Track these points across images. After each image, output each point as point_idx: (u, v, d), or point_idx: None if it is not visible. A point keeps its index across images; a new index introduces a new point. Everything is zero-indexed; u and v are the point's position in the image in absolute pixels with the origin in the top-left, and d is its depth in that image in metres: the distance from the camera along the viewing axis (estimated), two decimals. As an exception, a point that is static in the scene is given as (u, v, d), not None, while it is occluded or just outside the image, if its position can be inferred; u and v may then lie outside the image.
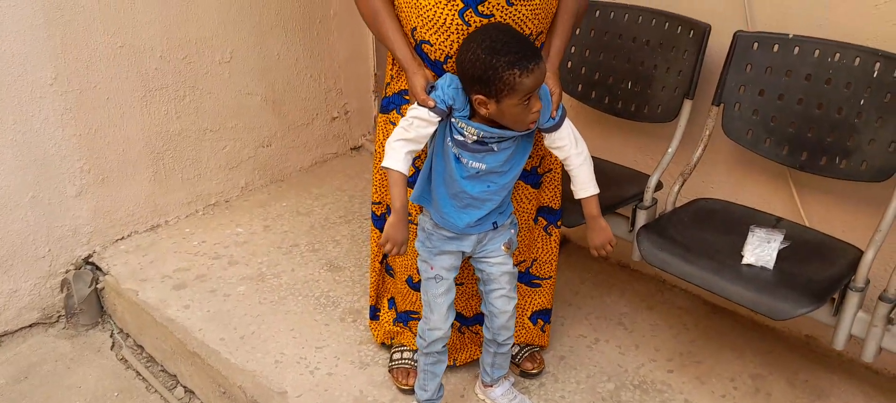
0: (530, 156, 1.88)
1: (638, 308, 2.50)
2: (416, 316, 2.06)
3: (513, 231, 1.85)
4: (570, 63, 2.49)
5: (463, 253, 1.82)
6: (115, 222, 2.84)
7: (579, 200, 1.75)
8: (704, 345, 2.32)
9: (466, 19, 1.59)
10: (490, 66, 1.49)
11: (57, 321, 2.73)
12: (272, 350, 2.31)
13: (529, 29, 1.66)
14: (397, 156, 1.62)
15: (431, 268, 1.81)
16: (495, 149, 1.64)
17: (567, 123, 1.70)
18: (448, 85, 1.60)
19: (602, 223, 1.74)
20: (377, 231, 2.05)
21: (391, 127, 1.85)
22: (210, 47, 2.92)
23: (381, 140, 1.90)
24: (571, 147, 1.70)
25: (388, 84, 1.88)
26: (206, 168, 3.07)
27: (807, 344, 2.33)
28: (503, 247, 1.82)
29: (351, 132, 3.65)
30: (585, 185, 1.71)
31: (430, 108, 1.59)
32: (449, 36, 1.62)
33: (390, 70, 1.87)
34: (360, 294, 2.57)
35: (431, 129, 1.62)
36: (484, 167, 1.65)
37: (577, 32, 2.45)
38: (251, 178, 3.27)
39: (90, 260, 2.78)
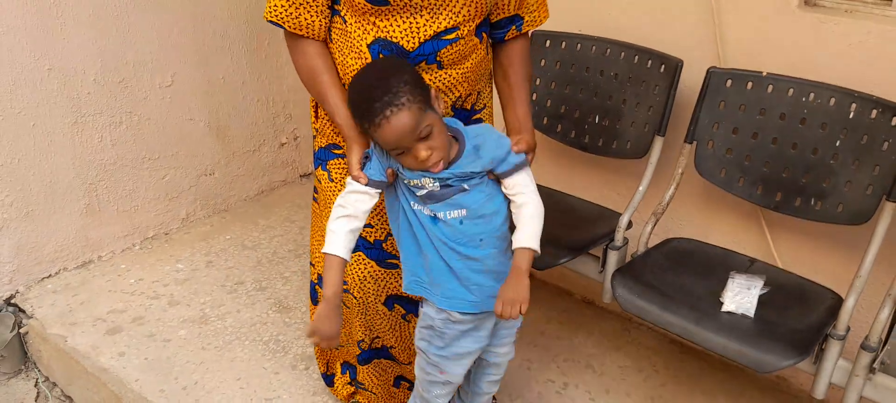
0: None
1: (606, 348, 2.41)
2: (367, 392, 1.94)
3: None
4: (534, 95, 2.39)
5: (480, 348, 1.60)
6: (42, 259, 2.61)
7: (514, 249, 1.46)
8: (675, 389, 2.25)
9: None
10: (353, 112, 1.37)
11: (-27, 370, 2.47)
12: (217, 402, 2.12)
13: (459, 91, 1.58)
14: (338, 240, 1.43)
15: (441, 373, 1.59)
16: (466, 187, 1.45)
17: (527, 172, 1.49)
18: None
19: (526, 281, 1.42)
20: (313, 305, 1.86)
21: (321, 183, 1.72)
22: (149, 70, 2.71)
23: (318, 194, 1.78)
24: (532, 194, 1.47)
25: (315, 135, 1.73)
26: (143, 199, 2.86)
27: (778, 386, 2.28)
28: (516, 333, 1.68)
29: (300, 159, 3.48)
30: (531, 237, 1.44)
31: (365, 185, 1.45)
32: None
33: (314, 123, 1.72)
34: (312, 337, 2.41)
35: (372, 202, 1.47)
36: (465, 212, 1.46)
37: (542, 63, 2.36)
38: (193, 209, 3.06)
39: (12, 301, 2.55)
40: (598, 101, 2.27)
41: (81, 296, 2.57)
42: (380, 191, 1.47)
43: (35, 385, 2.47)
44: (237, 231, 3.03)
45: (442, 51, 1.48)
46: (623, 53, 2.22)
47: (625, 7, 2.26)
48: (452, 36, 1.48)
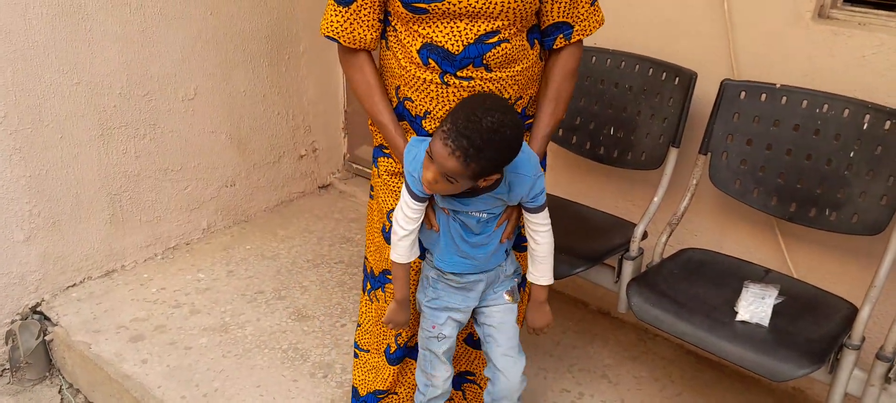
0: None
1: (621, 359, 2.42)
2: (383, 394, 1.95)
3: (516, 279, 1.76)
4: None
5: (468, 307, 1.72)
6: (67, 268, 2.66)
7: (532, 283, 1.72)
8: (691, 399, 2.25)
9: (446, 81, 1.56)
10: (448, 117, 1.42)
11: (0, 375, 2.52)
12: (237, 409, 2.16)
13: (509, 93, 1.61)
14: (402, 250, 1.62)
15: (433, 328, 1.72)
16: (485, 215, 1.59)
17: (546, 210, 1.63)
18: (413, 159, 1.53)
19: (548, 308, 1.76)
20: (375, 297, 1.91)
21: (374, 179, 1.81)
22: (173, 84, 2.78)
23: (373, 190, 1.84)
24: (547, 233, 1.64)
25: (373, 134, 1.81)
26: (166, 209, 2.92)
27: (793, 397, 2.28)
28: (506, 295, 1.73)
29: (319, 170, 3.53)
30: (546, 273, 1.69)
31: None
32: (429, 94, 1.59)
33: (371, 124, 1.80)
34: (330, 346, 2.44)
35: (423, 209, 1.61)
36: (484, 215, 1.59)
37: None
38: (214, 220, 3.12)
39: (38, 309, 2.60)
40: (614, 113, 2.30)
41: (105, 305, 2.62)
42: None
43: (59, 392, 2.52)
44: (257, 241, 3.08)
45: (487, 54, 1.52)
46: (638, 66, 2.25)
47: (640, 20, 2.29)
48: (495, 39, 1.52)
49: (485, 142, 1.36)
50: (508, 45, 1.53)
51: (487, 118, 1.36)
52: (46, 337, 2.55)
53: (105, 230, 2.74)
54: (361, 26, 1.57)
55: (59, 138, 2.50)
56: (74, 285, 2.71)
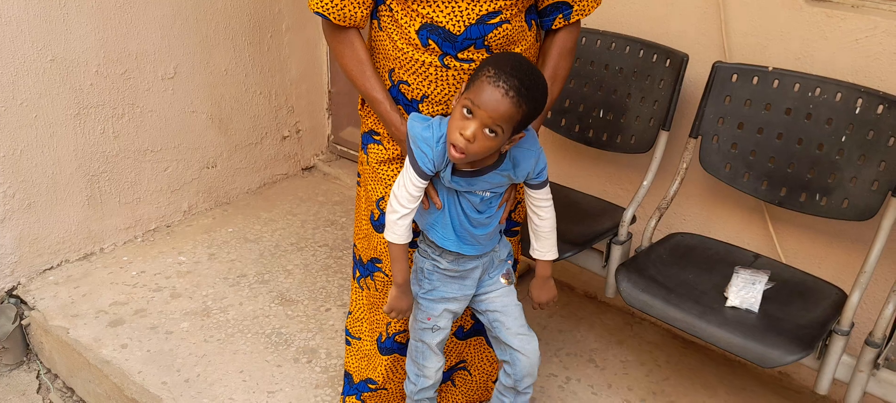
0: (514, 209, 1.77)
1: (608, 343, 2.41)
2: (375, 385, 1.92)
3: (510, 261, 1.74)
4: (539, 88, 2.38)
5: (465, 296, 1.69)
6: (43, 250, 2.60)
7: (536, 259, 1.69)
8: (677, 383, 2.25)
9: (446, 63, 1.51)
10: (484, 67, 1.38)
11: (-25, 361, 2.47)
12: (220, 395, 2.12)
13: None
14: (402, 230, 1.55)
15: (428, 319, 1.68)
16: (488, 194, 1.56)
17: (548, 186, 1.62)
18: (436, 142, 1.46)
19: (552, 282, 1.74)
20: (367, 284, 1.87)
21: (362, 166, 1.76)
22: (152, 62, 2.70)
23: (360, 177, 1.79)
24: (550, 209, 1.63)
25: (362, 119, 1.76)
26: (145, 191, 2.85)
27: (780, 382, 2.28)
28: (502, 279, 1.71)
29: (303, 152, 3.47)
30: (551, 248, 1.67)
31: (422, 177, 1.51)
32: (427, 77, 1.54)
33: (360, 109, 1.75)
34: (314, 330, 2.41)
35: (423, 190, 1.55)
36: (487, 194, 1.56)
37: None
38: (195, 201, 3.06)
39: (14, 292, 2.54)
40: (603, 96, 2.27)
41: (83, 288, 2.56)
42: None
43: (37, 377, 2.46)
44: (239, 223, 3.03)
45: (489, 35, 1.48)
46: (628, 47, 2.21)
47: (631, 1, 2.26)
48: (497, 20, 1.48)
49: (532, 83, 1.37)
50: (509, 26, 1.50)
51: (525, 63, 1.39)
52: (23, 322, 2.49)
53: (83, 212, 2.67)
54: (353, 3, 1.52)
55: (34, 117, 2.43)
56: (51, 268, 2.65)
